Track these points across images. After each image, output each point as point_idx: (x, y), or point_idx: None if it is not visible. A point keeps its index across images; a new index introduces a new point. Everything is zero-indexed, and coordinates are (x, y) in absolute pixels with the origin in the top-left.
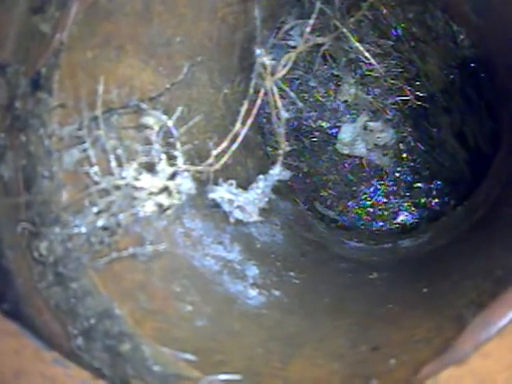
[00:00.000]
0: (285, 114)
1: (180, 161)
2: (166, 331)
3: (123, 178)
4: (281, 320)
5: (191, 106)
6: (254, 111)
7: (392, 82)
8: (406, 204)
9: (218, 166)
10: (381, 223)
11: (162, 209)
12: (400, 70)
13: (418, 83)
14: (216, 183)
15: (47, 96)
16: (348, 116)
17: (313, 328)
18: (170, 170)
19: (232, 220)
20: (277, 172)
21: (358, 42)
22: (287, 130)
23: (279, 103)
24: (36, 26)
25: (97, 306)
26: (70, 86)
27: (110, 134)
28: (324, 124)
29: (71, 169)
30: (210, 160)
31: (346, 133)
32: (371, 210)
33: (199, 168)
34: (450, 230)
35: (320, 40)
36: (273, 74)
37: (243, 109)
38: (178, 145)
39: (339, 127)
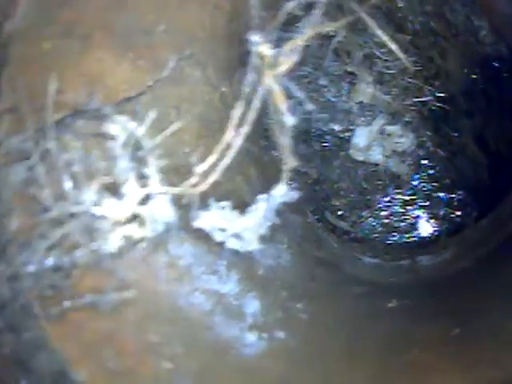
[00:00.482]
0: (290, 120)
1: (154, 181)
2: None
3: (80, 204)
4: (285, 375)
5: (181, 108)
6: (252, 116)
7: (410, 80)
8: (424, 215)
9: (205, 187)
10: (397, 236)
11: (131, 243)
12: (419, 67)
13: (437, 82)
14: (206, 205)
15: None
16: (362, 118)
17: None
18: (141, 192)
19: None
20: (282, 192)
21: (373, 35)
22: (295, 135)
23: (283, 106)
24: None
25: (50, 365)
26: (23, 85)
27: (72, 145)
28: (336, 127)
29: (20, 190)
30: (194, 179)
31: (361, 137)
32: (386, 221)
33: (178, 190)
34: (474, 247)
35: (333, 26)
36: (274, 67)
37: (237, 113)
38: (151, 160)
39: (353, 131)
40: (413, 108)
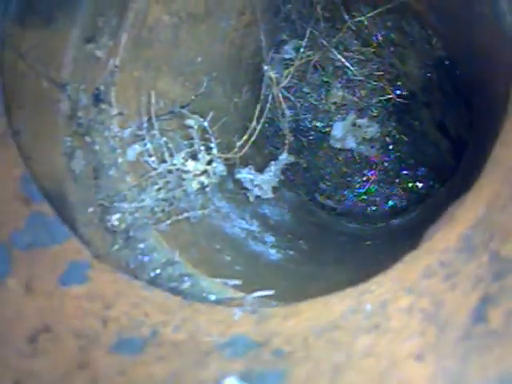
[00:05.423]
0: (288, 112)
1: (214, 151)
2: (216, 270)
3: (174, 165)
4: (295, 269)
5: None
6: (265, 113)
7: (375, 83)
8: (395, 189)
9: (241, 154)
10: (374, 207)
11: (203, 186)
12: (381, 72)
13: (398, 83)
14: (240, 167)
15: (108, 107)
16: (338, 115)
17: (321, 272)
18: (208, 157)
19: (251, 199)
20: (284, 157)
21: (344, 50)
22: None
23: (283, 104)
24: (91, 52)
25: (161, 258)
26: (124, 98)
27: (168, 131)
28: (318, 124)
29: (133, 160)
30: (236, 149)
31: (338, 130)
32: (365, 197)
33: (228, 155)
34: (435, 210)
35: (311, 57)
36: (278, 83)
37: (257, 111)
38: (213, 139)
39: (331, 125)
40: (378, 104)
